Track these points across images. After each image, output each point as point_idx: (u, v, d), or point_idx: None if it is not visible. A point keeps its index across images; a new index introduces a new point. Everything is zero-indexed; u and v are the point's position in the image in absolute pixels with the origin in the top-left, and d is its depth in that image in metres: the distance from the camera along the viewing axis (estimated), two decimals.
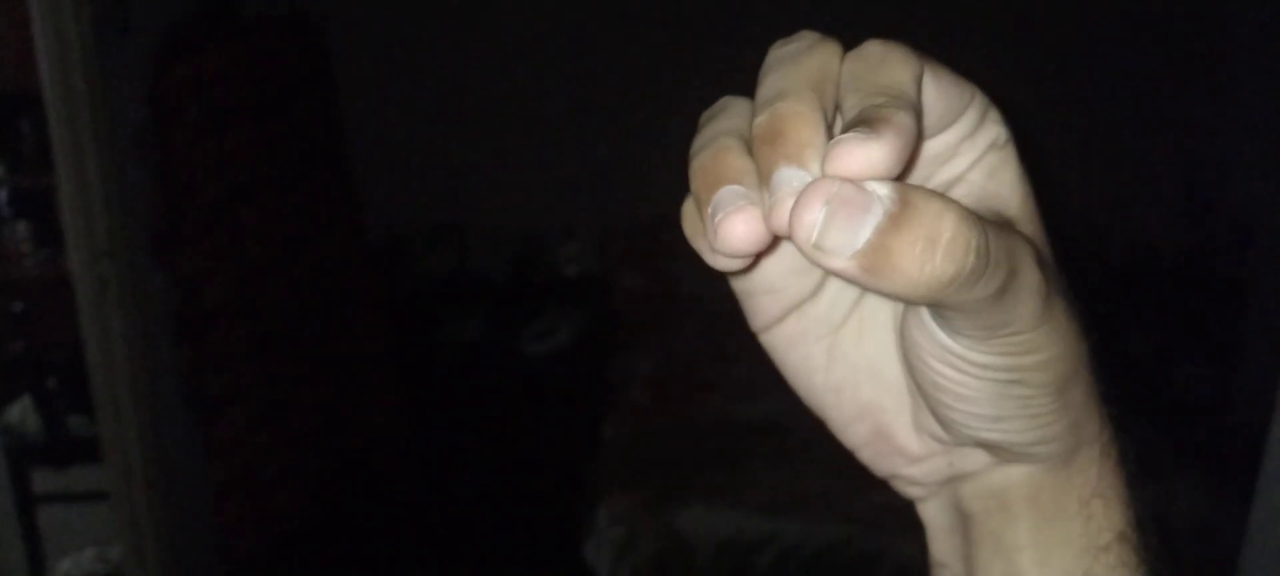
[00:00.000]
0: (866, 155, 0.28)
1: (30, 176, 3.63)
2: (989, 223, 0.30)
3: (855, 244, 0.28)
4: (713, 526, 2.24)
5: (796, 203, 0.29)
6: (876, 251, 0.28)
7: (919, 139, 0.31)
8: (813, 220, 0.28)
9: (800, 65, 0.33)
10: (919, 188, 0.29)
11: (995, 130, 0.37)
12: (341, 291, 2.98)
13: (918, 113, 0.31)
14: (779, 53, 0.35)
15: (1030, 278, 0.32)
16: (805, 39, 0.35)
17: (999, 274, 0.30)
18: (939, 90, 0.34)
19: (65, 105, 2.18)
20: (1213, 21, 3.36)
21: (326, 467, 2.85)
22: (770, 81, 0.34)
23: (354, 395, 3.03)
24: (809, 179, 0.29)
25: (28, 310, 3.47)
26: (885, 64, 0.32)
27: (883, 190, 0.28)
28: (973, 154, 0.37)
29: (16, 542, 1.74)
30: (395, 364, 3.26)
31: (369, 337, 3.12)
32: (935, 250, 0.28)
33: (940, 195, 0.29)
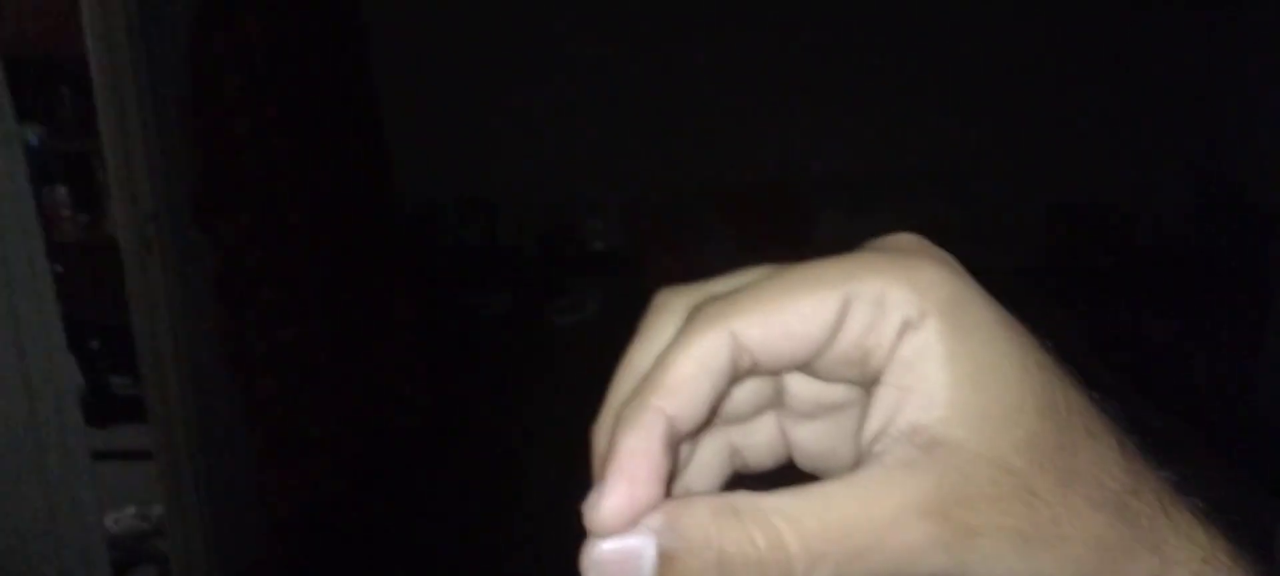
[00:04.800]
0: (599, 519, 0.29)
1: (70, 141, 3.70)
2: (812, 514, 0.29)
3: None
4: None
5: (581, 563, 0.30)
6: None
7: (680, 429, 0.31)
8: None
9: (646, 359, 0.32)
10: (695, 506, 0.29)
11: (901, 312, 0.31)
12: (375, 260, 3.02)
13: (659, 414, 0.30)
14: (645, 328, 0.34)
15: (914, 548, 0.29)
16: (653, 318, 0.34)
17: (824, 570, 0.29)
18: (781, 329, 0.31)
19: (110, 70, 2.22)
20: (1240, 10, 3.33)
21: (360, 432, 2.90)
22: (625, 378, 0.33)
23: (386, 362, 3.08)
24: (599, 512, 0.29)
25: (68, 272, 3.54)
26: (667, 354, 0.31)
27: (655, 523, 0.29)
28: (883, 348, 0.31)
29: (92, 497, 1.79)
30: (426, 333, 3.31)
31: (401, 306, 3.16)
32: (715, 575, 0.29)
33: (724, 509, 0.29)
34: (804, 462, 0.37)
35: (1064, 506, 0.30)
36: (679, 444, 0.32)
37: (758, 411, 0.37)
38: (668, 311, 0.34)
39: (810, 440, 0.37)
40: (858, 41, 3.70)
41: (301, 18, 2.68)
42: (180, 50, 2.34)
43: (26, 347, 1.91)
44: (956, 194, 3.60)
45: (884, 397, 0.31)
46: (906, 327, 0.31)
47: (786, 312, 0.31)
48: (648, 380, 0.31)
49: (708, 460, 0.37)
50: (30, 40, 3.54)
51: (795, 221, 3.54)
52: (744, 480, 0.38)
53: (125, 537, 2.84)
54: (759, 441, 0.37)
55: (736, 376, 0.32)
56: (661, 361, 0.31)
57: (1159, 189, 3.58)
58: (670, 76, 3.74)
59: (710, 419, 0.33)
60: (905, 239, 0.33)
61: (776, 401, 0.37)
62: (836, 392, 0.36)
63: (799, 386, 0.36)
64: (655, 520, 0.29)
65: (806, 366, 0.33)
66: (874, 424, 0.31)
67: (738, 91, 3.72)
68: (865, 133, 3.74)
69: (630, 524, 0.29)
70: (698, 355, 0.31)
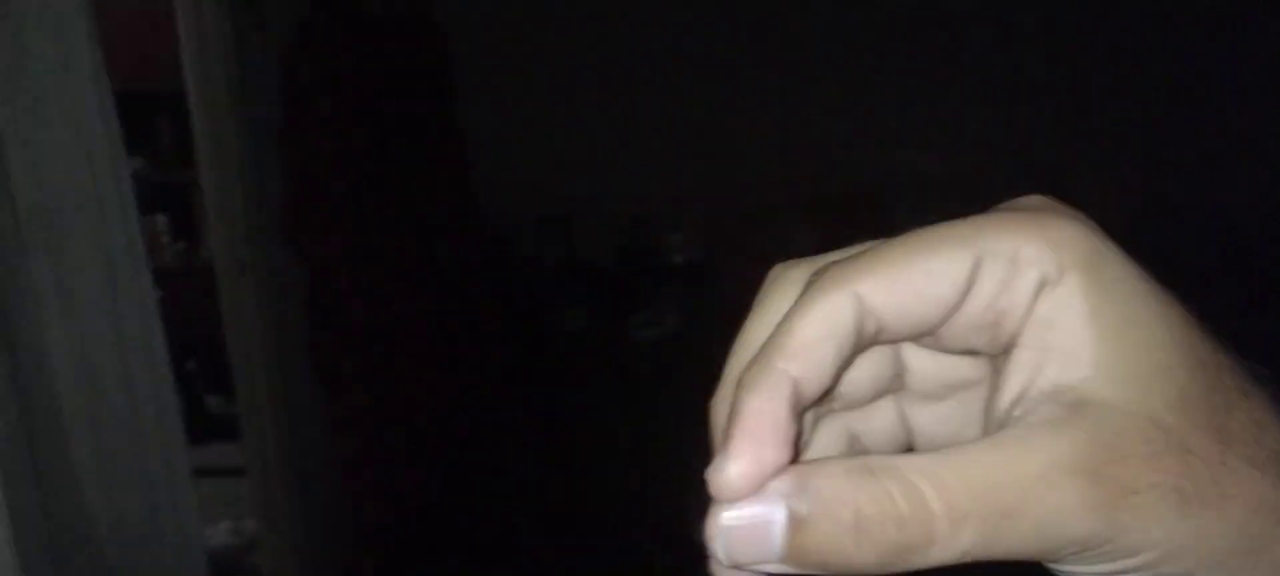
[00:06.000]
0: (724, 484, 0.28)
1: (168, 171, 3.85)
2: (951, 475, 0.27)
3: (774, 556, 0.27)
4: None
5: (705, 533, 0.28)
6: (798, 554, 0.27)
7: (810, 393, 0.29)
8: (716, 552, 0.28)
9: (768, 330, 0.31)
10: (827, 466, 0.28)
11: (1037, 270, 0.29)
12: (458, 278, 3.07)
13: (784, 376, 0.29)
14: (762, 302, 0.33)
15: (1059, 510, 0.27)
16: (770, 290, 0.33)
17: (969, 530, 0.27)
18: (909, 289, 0.30)
19: (206, 101, 2.31)
20: None
21: (446, 448, 2.95)
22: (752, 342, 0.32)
23: (470, 378, 3.13)
24: (724, 476, 0.28)
25: (166, 297, 3.68)
26: (789, 317, 0.30)
27: (784, 487, 0.27)
28: (1018, 308, 0.30)
29: (193, 512, 1.86)
30: (509, 349, 3.35)
31: (483, 323, 3.21)
32: (851, 538, 0.27)
33: (858, 468, 0.27)
34: (926, 450, 0.35)
35: (1223, 465, 0.28)
36: (804, 412, 0.30)
37: (877, 394, 0.35)
38: (785, 282, 0.33)
39: (934, 424, 0.35)
40: (942, 41, 3.65)
41: (386, 46, 2.76)
42: (273, 81, 2.42)
43: (134, 369, 1.99)
44: (1047, 192, 3.51)
45: (1022, 360, 0.29)
46: (1044, 285, 0.29)
47: (914, 272, 0.30)
48: (770, 343, 0.30)
49: (825, 447, 0.35)
50: (133, 75, 3.70)
51: (881, 228, 3.49)
52: None
53: (220, 553, 2.93)
54: (878, 427, 0.36)
55: (861, 343, 0.30)
56: (784, 325, 0.30)
57: (1261, 182, 3.45)
58: (746, 85, 3.74)
59: (834, 388, 0.31)
60: (1034, 199, 0.32)
61: (897, 384, 0.35)
62: (962, 370, 0.34)
63: (921, 365, 0.35)
64: (784, 483, 0.27)
65: (934, 334, 0.31)
66: (1012, 388, 0.30)
67: (817, 97, 3.70)
68: (951, 133, 3.68)
69: (757, 488, 0.28)
70: (822, 316, 0.29)
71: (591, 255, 3.99)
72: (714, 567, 0.29)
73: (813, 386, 0.30)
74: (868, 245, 0.32)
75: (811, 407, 0.33)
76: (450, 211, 3.05)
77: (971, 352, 0.32)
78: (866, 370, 0.34)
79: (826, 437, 0.35)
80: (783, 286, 0.33)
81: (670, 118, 3.81)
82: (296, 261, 2.45)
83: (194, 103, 2.31)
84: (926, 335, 0.31)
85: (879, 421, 0.36)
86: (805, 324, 0.29)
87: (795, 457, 0.29)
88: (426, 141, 2.94)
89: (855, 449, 0.36)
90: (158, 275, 3.54)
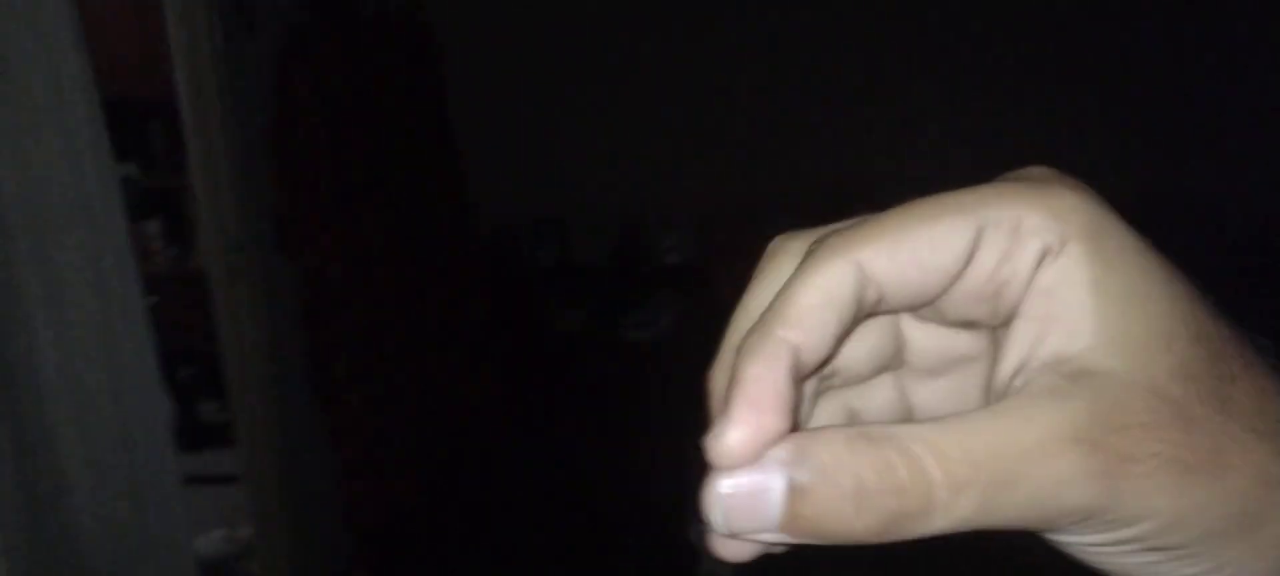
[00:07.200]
0: (723, 451, 0.27)
1: (161, 177, 3.84)
2: (951, 444, 0.27)
3: (772, 524, 0.27)
4: None
5: (702, 501, 0.28)
6: (796, 522, 0.27)
7: (813, 358, 0.29)
8: (714, 520, 0.28)
9: (772, 294, 0.31)
10: (827, 434, 0.27)
11: (1039, 240, 0.29)
12: (452, 281, 3.07)
13: (783, 343, 0.28)
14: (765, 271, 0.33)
15: (1063, 474, 0.26)
16: (770, 260, 0.33)
17: (968, 498, 0.26)
18: (910, 258, 0.30)
19: (197, 107, 2.30)
20: None
21: (441, 450, 2.94)
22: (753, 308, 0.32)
23: (465, 381, 3.12)
24: (723, 443, 0.27)
25: (160, 303, 3.66)
26: (789, 285, 0.30)
27: (783, 455, 0.27)
28: (1020, 278, 0.29)
29: (184, 522, 1.84)
30: (503, 351, 3.34)
31: (478, 325, 3.20)
32: (851, 507, 0.26)
33: (858, 436, 0.27)
34: None
35: (1225, 435, 0.28)
36: (803, 380, 0.30)
37: (876, 370, 0.35)
38: (785, 253, 0.33)
39: (933, 400, 0.35)
40: (936, 39, 3.65)
41: (379, 48, 2.75)
42: (264, 85, 2.41)
43: (123, 377, 1.98)
44: None
45: (1023, 330, 0.29)
46: (1046, 255, 0.29)
47: (916, 241, 0.29)
48: (770, 310, 0.29)
49: (824, 423, 0.35)
50: (124, 80, 3.68)
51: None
52: None
53: (215, 560, 2.92)
54: (878, 403, 0.36)
55: (861, 311, 0.30)
56: (784, 293, 0.29)
57: (1255, 178, 3.45)
58: (740, 87, 3.74)
59: (833, 358, 0.31)
60: (1038, 170, 0.31)
61: (896, 360, 0.35)
62: (961, 344, 0.34)
63: (921, 339, 0.34)
64: (783, 451, 0.27)
65: (934, 304, 0.31)
66: (1012, 359, 0.29)
67: (810, 97, 3.70)
68: (945, 132, 3.68)
69: (756, 456, 0.27)
70: (822, 285, 0.29)
71: (586, 256, 3.99)
72: (712, 537, 0.29)
73: (812, 354, 0.29)
74: (869, 216, 0.31)
75: (811, 378, 0.33)
76: (444, 214, 3.05)
77: (972, 324, 0.32)
78: (866, 345, 0.34)
79: (826, 414, 0.35)
80: (783, 257, 0.33)
81: (664, 118, 3.81)
82: (290, 266, 2.44)
83: (185, 107, 2.30)
84: (927, 305, 0.31)
85: (878, 397, 0.36)
86: (805, 291, 0.29)
87: (795, 428, 0.29)
88: (420, 144, 2.93)
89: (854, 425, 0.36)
90: (151, 281, 3.52)
